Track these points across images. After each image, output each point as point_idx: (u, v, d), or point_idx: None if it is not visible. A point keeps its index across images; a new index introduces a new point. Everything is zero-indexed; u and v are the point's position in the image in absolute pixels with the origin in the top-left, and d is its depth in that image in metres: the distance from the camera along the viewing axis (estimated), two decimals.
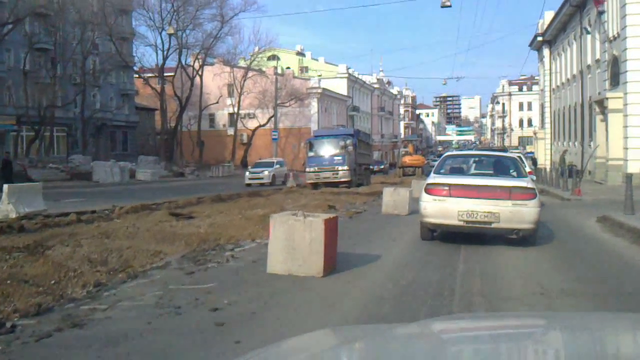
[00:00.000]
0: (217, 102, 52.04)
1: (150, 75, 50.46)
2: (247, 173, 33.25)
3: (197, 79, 51.46)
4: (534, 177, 22.26)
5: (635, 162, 21.68)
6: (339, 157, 26.00)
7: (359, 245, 8.75)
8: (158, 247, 7.98)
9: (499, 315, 3.60)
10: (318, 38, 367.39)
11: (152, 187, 25.32)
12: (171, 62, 50.24)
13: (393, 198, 13.04)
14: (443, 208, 8.59)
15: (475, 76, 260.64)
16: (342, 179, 25.70)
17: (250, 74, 55.45)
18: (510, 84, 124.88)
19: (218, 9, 47.40)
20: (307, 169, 26.94)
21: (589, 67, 31.24)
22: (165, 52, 44.42)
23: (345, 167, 25.81)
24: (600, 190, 20.10)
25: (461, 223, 8.53)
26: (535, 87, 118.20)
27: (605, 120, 23.86)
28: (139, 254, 7.43)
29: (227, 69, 55.18)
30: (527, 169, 12.48)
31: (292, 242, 5.90)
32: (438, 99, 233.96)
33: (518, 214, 8.36)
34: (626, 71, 21.82)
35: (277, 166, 34.61)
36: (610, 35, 23.79)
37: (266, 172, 32.59)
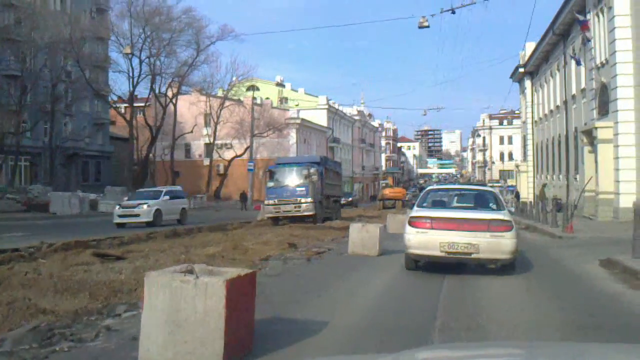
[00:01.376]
0: (192, 132, 50.29)
1: (126, 105, 48.81)
2: (117, 208, 23.72)
3: (171, 107, 49.82)
4: (512, 210, 22.77)
5: (628, 195, 20.23)
6: (302, 188, 23.17)
7: (304, 304, 6.81)
8: (50, 301, 6.10)
9: (480, 345, 3.43)
10: (299, 71, 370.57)
11: (110, 220, 23.23)
12: (146, 91, 48.73)
13: (361, 236, 11.24)
14: (425, 240, 9.02)
15: (455, 108, 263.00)
16: (306, 213, 22.96)
17: (227, 103, 54.01)
18: (491, 117, 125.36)
19: (193, 37, 46.08)
20: (266, 202, 23.98)
21: (573, 97, 30.20)
22: (135, 79, 42.77)
23: (309, 199, 22.95)
24: (592, 227, 18.56)
25: (443, 254, 8.96)
26: (515, 121, 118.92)
27: (594, 151, 22.52)
28: (16, 312, 5.57)
29: (203, 98, 53.69)
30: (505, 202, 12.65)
31: (178, 315, 3.87)
32: (419, 133, 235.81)
33: (496, 245, 8.82)
34: (616, 99, 20.58)
35: (166, 197, 24.40)
36: (598, 61, 22.67)
37: (144, 207, 22.76)
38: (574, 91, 30.32)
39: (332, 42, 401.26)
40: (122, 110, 59.11)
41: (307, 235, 15.49)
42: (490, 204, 10.05)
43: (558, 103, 34.76)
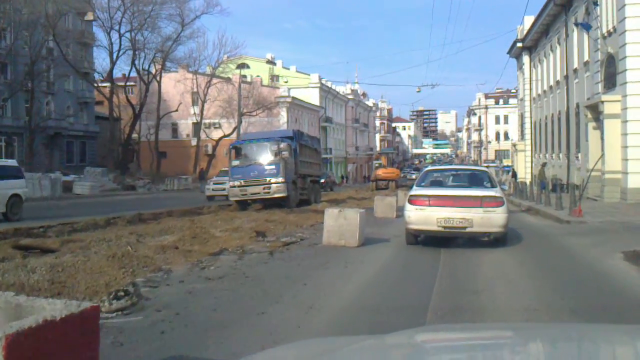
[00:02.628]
0: (177, 110, 48.29)
1: (120, 83, 46.67)
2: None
3: (156, 85, 47.79)
4: (505, 188, 23.22)
5: (636, 175, 18.72)
6: (272, 167, 20.25)
7: (224, 336, 4.54)
8: None
9: (477, 327, 3.38)
10: (292, 51, 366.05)
11: (82, 203, 21.60)
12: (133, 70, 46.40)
13: (338, 223, 9.38)
14: (424, 216, 9.67)
15: (451, 84, 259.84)
16: (276, 195, 20.12)
17: (215, 81, 52.02)
18: (487, 97, 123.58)
19: (177, 10, 43.87)
20: (231, 183, 20.82)
21: (575, 70, 28.49)
22: (115, 55, 40.61)
23: (280, 180, 20.02)
24: (601, 209, 16.95)
25: (440, 228, 9.62)
26: (512, 100, 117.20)
27: (599, 127, 20.90)
28: None
29: (190, 75, 51.64)
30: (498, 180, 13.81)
31: None
32: (415, 113, 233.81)
33: (488, 219, 9.47)
34: (625, 70, 18.89)
35: None
36: (605, 30, 20.91)
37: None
38: (575, 64, 28.61)
39: (325, 22, 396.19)
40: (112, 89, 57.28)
41: (285, 221, 13.82)
42: (484, 182, 10.76)
43: (558, 78, 33.04)
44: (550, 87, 35.24)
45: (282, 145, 20.53)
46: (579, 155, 27.79)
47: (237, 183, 20.49)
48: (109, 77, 43.79)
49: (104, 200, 27.08)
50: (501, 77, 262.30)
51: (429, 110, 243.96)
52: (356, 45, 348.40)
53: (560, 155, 32.65)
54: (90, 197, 29.48)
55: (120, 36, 39.61)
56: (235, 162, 21.08)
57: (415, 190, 10.26)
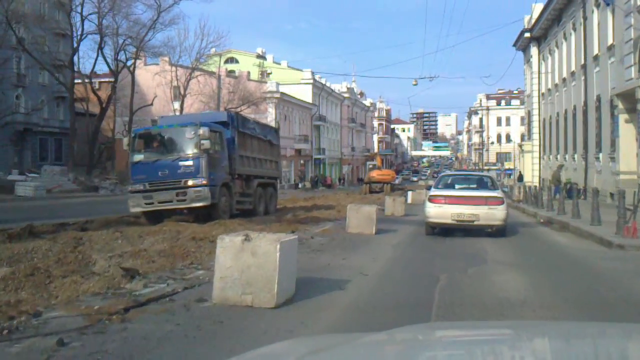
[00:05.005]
0: (152, 104, 44.26)
1: (102, 80, 42.46)
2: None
3: (129, 77, 43.81)
4: (506, 189, 25.74)
5: None
6: (189, 163, 14.26)
7: None
8: None
9: (475, 324, 3.50)
10: (288, 51, 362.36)
11: (9, 207, 17.66)
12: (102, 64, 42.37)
13: (241, 264, 5.10)
14: (441, 211, 12.12)
15: (452, 76, 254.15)
16: (195, 203, 14.14)
17: (197, 73, 48.06)
18: (488, 98, 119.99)
19: None
20: (131, 187, 14.97)
21: (596, 58, 24.58)
22: (78, 38, 36.58)
23: (201, 181, 14.12)
24: None
25: (453, 221, 12.04)
26: (514, 102, 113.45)
27: (635, 119, 16.99)
28: None
29: (169, 67, 47.68)
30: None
31: None
32: (415, 115, 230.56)
33: (492, 214, 11.94)
34: None
35: None
36: None
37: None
38: (596, 51, 24.73)
39: (324, 22, 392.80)
40: (96, 86, 53.29)
41: (228, 231, 9.87)
42: (488, 185, 13.52)
43: (573, 69, 29.14)
44: (564, 79, 31.32)
45: (202, 131, 14.10)
46: (600, 155, 23.91)
47: (139, 187, 14.40)
48: (70, 65, 39.73)
49: (44, 204, 23.13)
50: (507, 70, 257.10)
51: (428, 113, 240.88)
52: (354, 45, 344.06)
53: (576, 156, 28.74)
54: (34, 199, 25.53)
55: (83, 19, 35.63)
56: (138, 157, 14.80)
57: (434, 192, 12.84)
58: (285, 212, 18.89)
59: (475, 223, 11.80)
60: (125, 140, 15.29)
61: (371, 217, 11.86)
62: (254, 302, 5.08)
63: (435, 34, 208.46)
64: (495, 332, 2.28)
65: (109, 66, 38.96)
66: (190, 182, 14.14)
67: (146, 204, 14.25)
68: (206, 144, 14.10)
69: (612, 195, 21.95)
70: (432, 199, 12.28)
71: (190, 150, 14.42)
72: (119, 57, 40.51)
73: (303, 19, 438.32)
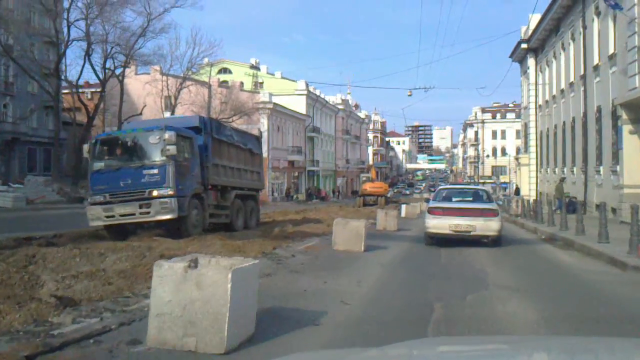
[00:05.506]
0: (141, 114, 43.28)
1: (92, 89, 41.31)
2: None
3: (120, 86, 42.85)
4: (500, 202, 26.45)
5: None
6: (154, 171, 12.80)
7: None
8: None
9: (472, 339, 3.45)
10: (285, 65, 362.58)
11: None
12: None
13: (181, 297, 3.98)
14: (440, 223, 12.79)
15: (447, 86, 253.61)
16: (160, 216, 12.67)
17: (188, 83, 47.18)
18: (483, 111, 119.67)
19: (142, 1, 38.95)
20: (91, 199, 13.30)
21: (596, 68, 23.78)
22: (65, 45, 35.52)
23: (167, 191, 12.64)
24: None
25: (451, 232, 12.66)
26: (509, 115, 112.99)
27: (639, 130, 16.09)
28: None
29: (160, 77, 46.78)
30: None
31: None
32: (410, 128, 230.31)
33: (487, 226, 12.58)
34: None
35: None
36: None
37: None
38: (596, 60, 23.93)
39: (322, 35, 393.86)
40: (89, 96, 52.27)
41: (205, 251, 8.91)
42: (484, 198, 14.21)
43: (572, 79, 28.35)
44: (562, 91, 30.53)
45: (168, 135, 12.51)
46: (601, 168, 23.02)
47: (99, 198, 12.88)
48: (56, 72, 38.72)
49: (20, 215, 22.05)
50: (503, 80, 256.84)
51: (424, 126, 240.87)
52: (350, 56, 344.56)
53: (575, 169, 27.85)
54: (12, 210, 24.41)
55: (69, 24, 34.61)
56: (98, 165, 13.29)
57: (433, 204, 13.62)
58: (274, 226, 17.80)
59: (472, 234, 12.49)
60: (86, 147, 13.86)
61: (359, 232, 10.80)
62: (198, 346, 4.02)
63: (430, 43, 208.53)
64: (494, 347, 2.25)
65: (96, 74, 38.03)
66: (155, 193, 12.60)
67: (107, 217, 12.77)
68: (172, 149, 12.58)
69: (614, 210, 21.06)
70: (431, 211, 13.12)
71: (156, 157, 12.91)
72: (107, 65, 39.51)
73: (300, 31, 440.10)
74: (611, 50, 21.63)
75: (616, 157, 21.57)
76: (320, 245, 11.98)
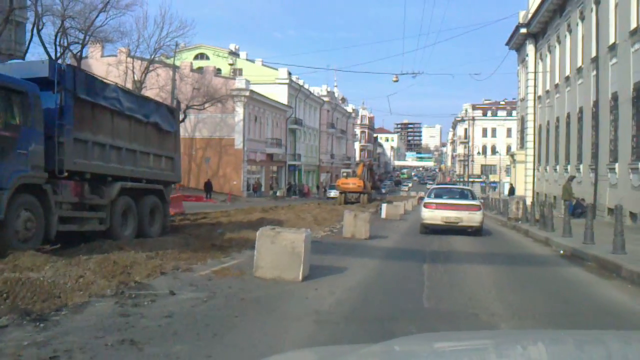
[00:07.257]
0: None
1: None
2: None
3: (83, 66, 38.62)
4: (482, 200, 26.08)
5: None
6: None
7: None
8: None
9: (469, 335, 3.32)
10: (280, 58, 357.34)
11: None
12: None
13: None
14: (433, 215, 15.72)
15: (437, 72, 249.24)
16: None
17: (156, 66, 43.15)
18: (474, 108, 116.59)
19: None
20: None
21: (612, 47, 20.20)
22: (5, 16, 31.36)
23: None
24: None
25: (443, 223, 15.45)
26: (500, 112, 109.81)
27: None
28: None
29: (126, 59, 42.70)
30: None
31: None
32: (399, 125, 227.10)
33: (471, 218, 15.51)
34: None
35: None
36: None
37: None
38: (612, 39, 20.37)
39: (313, 31, 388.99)
40: None
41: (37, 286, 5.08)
42: (469, 196, 16.97)
43: (580, 64, 24.78)
44: (567, 78, 26.95)
45: None
46: (616, 166, 19.48)
47: None
48: None
49: None
50: (498, 68, 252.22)
51: (413, 124, 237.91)
52: (340, 53, 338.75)
53: (581, 167, 24.31)
54: None
55: None
56: None
57: (427, 200, 16.72)
58: (213, 229, 14.03)
59: (459, 224, 15.44)
60: None
61: (295, 250, 6.56)
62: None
63: (417, 31, 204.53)
64: (485, 342, 2.26)
65: (46, 51, 33.76)
66: None
67: None
68: None
69: (633, 215, 17.51)
70: (426, 205, 16.15)
71: None
72: (61, 43, 35.27)
73: (287, 24, 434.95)
74: (633, 25, 18.08)
75: (637, 152, 18.07)
76: (241, 267, 7.92)
